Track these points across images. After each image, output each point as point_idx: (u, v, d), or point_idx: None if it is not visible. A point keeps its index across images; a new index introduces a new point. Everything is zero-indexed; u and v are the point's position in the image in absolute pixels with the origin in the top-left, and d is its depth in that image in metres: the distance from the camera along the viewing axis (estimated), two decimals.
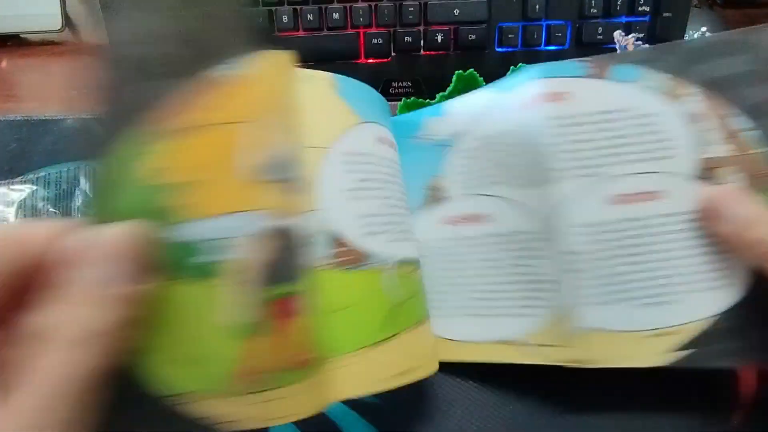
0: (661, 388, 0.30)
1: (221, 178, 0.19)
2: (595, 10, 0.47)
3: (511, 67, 0.40)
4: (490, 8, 0.47)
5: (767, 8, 0.59)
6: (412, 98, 0.41)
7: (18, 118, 0.49)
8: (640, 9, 0.47)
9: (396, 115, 0.39)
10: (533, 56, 0.48)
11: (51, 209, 0.36)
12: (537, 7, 0.46)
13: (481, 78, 0.39)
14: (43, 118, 0.49)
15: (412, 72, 0.49)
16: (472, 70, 0.39)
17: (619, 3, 0.46)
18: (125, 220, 0.18)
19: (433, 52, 0.48)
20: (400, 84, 0.50)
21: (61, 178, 0.39)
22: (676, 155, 0.27)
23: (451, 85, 0.39)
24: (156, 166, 0.18)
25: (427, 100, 0.41)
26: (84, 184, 0.38)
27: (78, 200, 0.37)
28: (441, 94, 0.40)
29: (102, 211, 0.18)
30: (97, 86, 0.18)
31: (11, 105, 0.52)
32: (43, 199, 0.37)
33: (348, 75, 0.49)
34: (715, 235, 0.26)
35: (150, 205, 0.18)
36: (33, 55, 0.59)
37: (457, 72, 0.39)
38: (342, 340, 0.23)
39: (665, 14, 0.47)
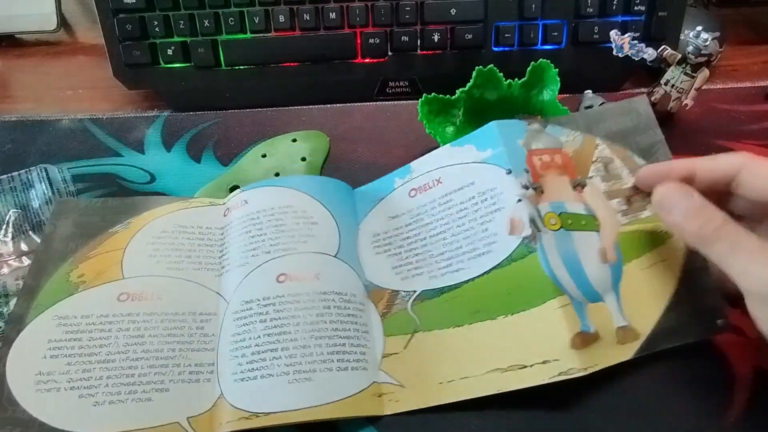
0: (658, 388, 0.30)
1: (111, 272, 0.34)
2: (591, 10, 0.47)
3: (477, 66, 0.40)
4: (486, 8, 0.47)
5: (761, 7, 0.59)
6: (433, 94, 0.41)
7: (13, 119, 0.49)
8: (635, 8, 0.47)
9: (419, 111, 0.41)
10: (529, 55, 0.48)
11: (12, 210, 0.38)
12: (533, 6, 0.46)
13: (501, 73, 0.39)
14: (38, 119, 0.48)
15: (408, 71, 0.49)
16: (492, 66, 0.39)
17: (614, 2, 0.47)
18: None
19: (429, 52, 0.48)
20: (397, 83, 0.50)
21: (13, 180, 0.40)
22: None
23: (471, 80, 0.40)
24: (79, 273, 0.33)
25: (447, 96, 0.41)
26: (39, 186, 0.40)
27: (36, 202, 0.39)
28: (461, 89, 0.40)
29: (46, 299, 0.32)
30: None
31: (6, 105, 0.52)
32: (2, 202, 0.39)
33: (344, 74, 0.49)
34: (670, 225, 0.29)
35: (72, 286, 0.33)
36: (28, 56, 0.58)
37: (477, 67, 0.39)
38: None
39: (660, 13, 0.47)
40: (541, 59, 0.39)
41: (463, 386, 0.29)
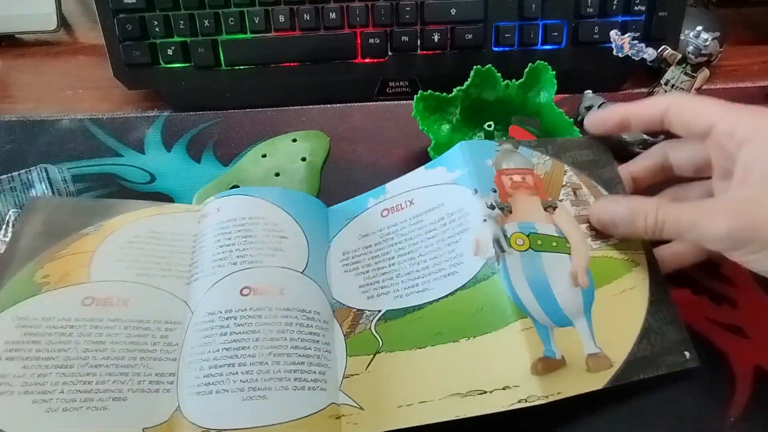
0: (658, 388, 0.30)
1: (78, 274, 0.32)
2: (591, 10, 0.47)
3: (475, 66, 0.40)
4: (486, 8, 0.47)
5: (761, 7, 0.59)
6: (429, 91, 0.41)
7: (13, 119, 0.49)
8: (635, 8, 0.47)
9: (413, 108, 0.41)
10: (529, 55, 0.48)
11: (12, 209, 0.38)
12: (533, 6, 0.46)
13: (499, 74, 0.40)
14: (38, 119, 0.48)
15: (408, 71, 0.49)
16: (490, 65, 0.39)
17: (615, 2, 0.47)
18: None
19: (429, 52, 0.48)
20: (397, 83, 0.50)
21: (13, 180, 0.40)
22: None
23: (469, 79, 0.40)
24: (44, 273, 0.32)
25: (444, 94, 0.41)
26: (39, 186, 0.40)
27: None
28: (458, 88, 0.40)
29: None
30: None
31: (6, 106, 0.52)
32: (2, 202, 0.39)
33: (344, 74, 0.49)
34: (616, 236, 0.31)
35: (35, 287, 0.32)
36: (28, 56, 0.58)
37: (475, 67, 0.39)
38: None
39: (661, 13, 0.47)
40: (538, 61, 0.39)
41: (421, 411, 0.28)
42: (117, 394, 0.28)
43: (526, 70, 0.39)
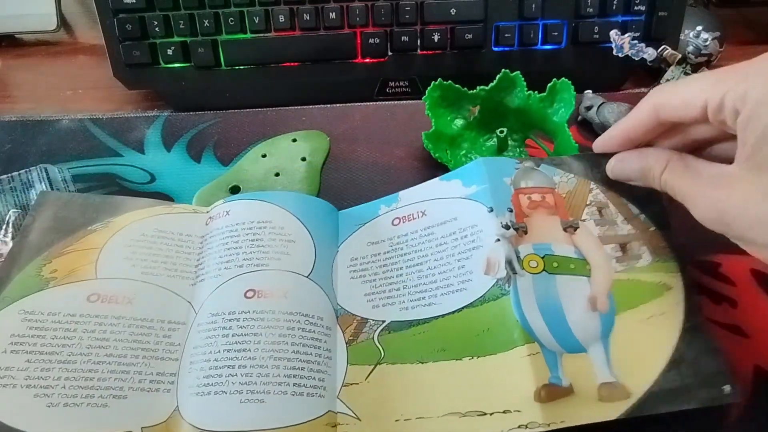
0: None
1: (84, 270, 0.33)
2: (591, 10, 0.47)
3: (504, 69, 0.40)
4: (486, 8, 0.47)
5: (760, 7, 0.59)
6: (449, 82, 0.41)
7: (13, 119, 0.48)
8: (635, 8, 0.47)
9: (427, 94, 0.41)
10: (529, 55, 0.48)
11: (12, 209, 0.38)
12: (533, 6, 0.46)
13: (524, 82, 0.40)
14: (38, 119, 0.48)
15: (408, 71, 0.49)
16: (518, 72, 0.39)
17: (615, 2, 0.47)
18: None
19: (429, 52, 0.48)
20: (397, 83, 0.50)
21: (13, 180, 0.40)
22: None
23: (494, 81, 0.40)
24: (52, 268, 0.33)
25: (465, 89, 0.41)
26: (39, 186, 0.40)
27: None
28: (482, 87, 0.40)
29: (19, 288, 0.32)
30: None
31: (6, 105, 0.52)
32: (2, 202, 0.39)
33: (344, 74, 0.49)
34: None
35: (43, 281, 0.32)
36: (28, 56, 0.58)
37: (503, 71, 0.39)
38: None
39: (661, 13, 0.47)
40: (562, 78, 0.38)
41: (419, 426, 0.27)
42: (118, 391, 0.28)
43: (549, 84, 0.39)
